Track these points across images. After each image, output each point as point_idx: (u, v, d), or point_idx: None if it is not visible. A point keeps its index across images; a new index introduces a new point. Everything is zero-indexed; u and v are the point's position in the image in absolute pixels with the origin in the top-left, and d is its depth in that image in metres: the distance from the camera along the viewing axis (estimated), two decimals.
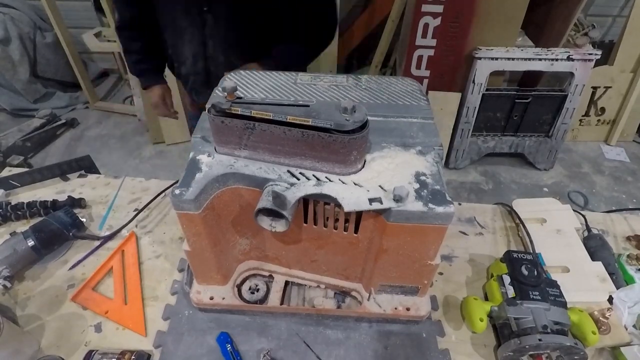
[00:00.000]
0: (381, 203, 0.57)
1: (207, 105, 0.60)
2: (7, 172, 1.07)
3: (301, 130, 0.56)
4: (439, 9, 2.06)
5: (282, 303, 0.77)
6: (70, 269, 0.85)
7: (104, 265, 0.85)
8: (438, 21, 2.10)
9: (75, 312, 0.78)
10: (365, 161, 0.63)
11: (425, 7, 2.07)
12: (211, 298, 0.76)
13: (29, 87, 2.85)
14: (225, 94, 0.57)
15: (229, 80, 0.59)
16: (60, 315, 0.77)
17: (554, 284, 0.73)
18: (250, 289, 0.79)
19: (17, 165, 2.24)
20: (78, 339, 0.74)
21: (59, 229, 0.86)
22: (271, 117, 0.56)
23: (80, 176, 1.08)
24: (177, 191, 0.58)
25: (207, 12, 1.04)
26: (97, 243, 0.90)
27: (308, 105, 0.58)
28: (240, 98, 0.59)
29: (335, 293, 0.79)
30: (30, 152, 2.58)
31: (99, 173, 1.12)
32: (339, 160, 0.59)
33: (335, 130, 0.55)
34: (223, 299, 0.76)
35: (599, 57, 2.11)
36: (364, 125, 0.56)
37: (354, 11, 2.89)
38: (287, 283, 0.79)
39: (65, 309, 0.78)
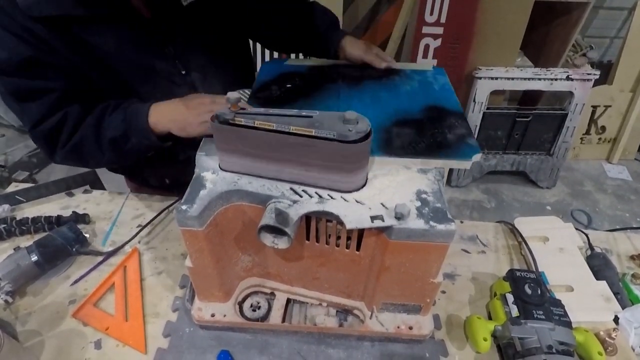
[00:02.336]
0: (383, 221, 0.57)
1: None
2: (13, 187, 1.08)
3: (304, 139, 0.57)
4: (439, 30, 2.11)
5: (283, 321, 0.76)
6: (72, 284, 0.85)
7: (106, 281, 0.85)
8: (438, 42, 2.14)
9: (76, 328, 0.78)
10: (367, 179, 0.63)
11: (426, 29, 2.12)
12: (212, 315, 0.75)
13: None
14: (229, 105, 0.59)
15: (233, 91, 0.60)
16: (60, 331, 0.77)
17: (558, 303, 0.72)
18: (251, 306, 0.78)
19: (22, 181, 2.26)
20: (77, 356, 0.73)
21: (62, 244, 0.87)
22: (274, 128, 0.57)
23: (85, 192, 1.09)
24: (182, 207, 0.59)
25: (187, 74, 0.88)
26: (99, 259, 0.90)
27: (311, 116, 0.58)
28: (244, 109, 0.60)
29: (337, 311, 0.78)
30: (36, 168, 2.60)
31: (104, 188, 1.13)
32: (342, 170, 0.59)
33: (338, 141, 0.55)
34: (224, 316, 0.75)
35: (597, 77, 2.14)
36: (367, 136, 0.56)
37: (357, 33, 2.96)
38: (288, 301, 0.79)
39: (65, 325, 0.78)
